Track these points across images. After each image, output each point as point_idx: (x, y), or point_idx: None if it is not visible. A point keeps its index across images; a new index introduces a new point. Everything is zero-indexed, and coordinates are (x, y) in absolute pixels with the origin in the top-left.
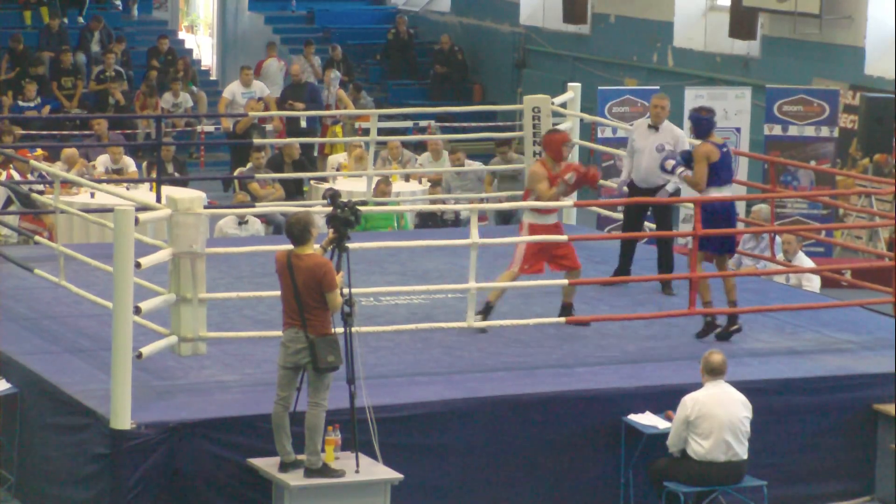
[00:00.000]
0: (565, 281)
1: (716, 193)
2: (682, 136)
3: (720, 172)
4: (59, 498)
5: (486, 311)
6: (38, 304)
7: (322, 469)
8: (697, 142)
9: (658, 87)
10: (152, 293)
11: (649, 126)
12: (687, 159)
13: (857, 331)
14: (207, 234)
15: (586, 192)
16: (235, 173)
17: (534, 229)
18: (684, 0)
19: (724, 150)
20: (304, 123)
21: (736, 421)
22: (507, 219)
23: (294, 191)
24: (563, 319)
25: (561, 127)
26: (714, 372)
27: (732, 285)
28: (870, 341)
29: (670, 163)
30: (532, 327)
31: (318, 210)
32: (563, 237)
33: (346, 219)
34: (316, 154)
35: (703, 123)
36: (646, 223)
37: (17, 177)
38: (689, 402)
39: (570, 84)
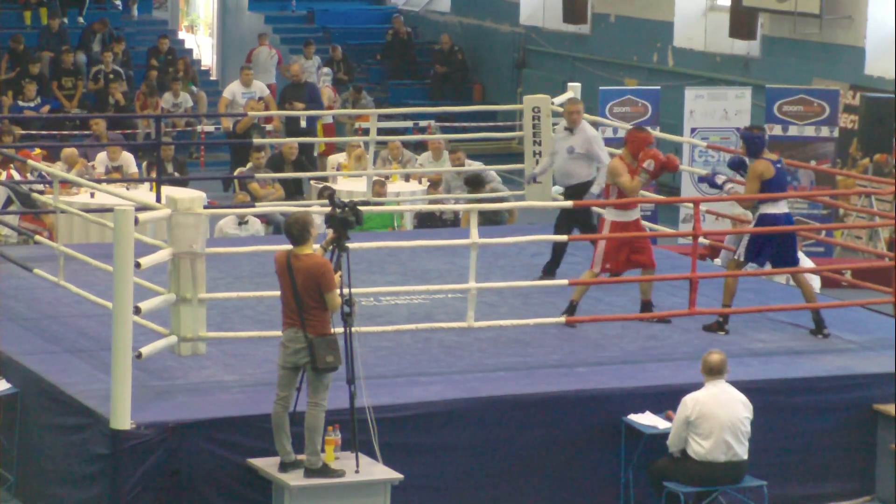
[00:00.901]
0: (565, 281)
1: (772, 210)
2: (593, 138)
3: (773, 190)
4: (59, 498)
5: (570, 311)
6: (38, 304)
7: (322, 469)
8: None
9: (658, 88)
10: (152, 293)
11: (566, 129)
12: (737, 164)
13: (857, 331)
14: (207, 234)
15: None
16: (235, 173)
17: (615, 227)
18: (684, 0)
19: (779, 166)
20: (304, 123)
21: (736, 421)
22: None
23: (294, 191)
24: (562, 319)
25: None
26: (713, 372)
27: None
28: (870, 341)
29: (721, 178)
30: (532, 327)
31: (318, 210)
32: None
33: (344, 219)
34: (316, 154)
35: (755, 141)
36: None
37: (17, 177)
38: (689, 402)
39: (570, 84)
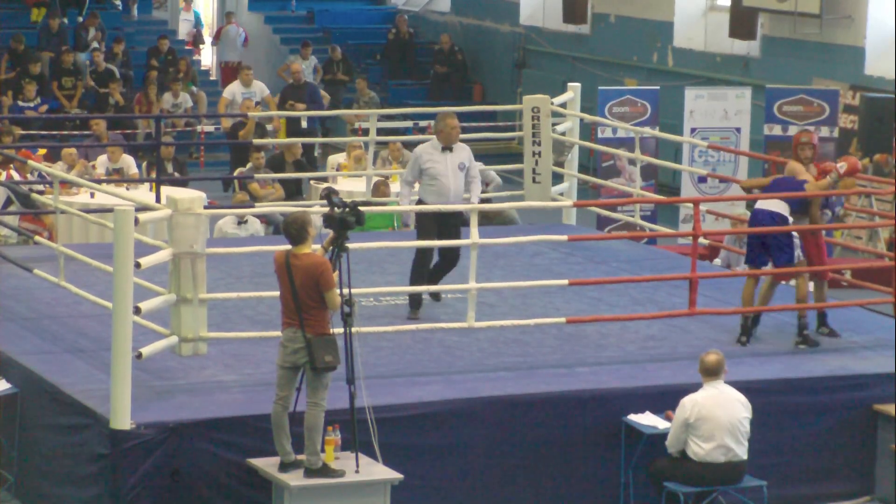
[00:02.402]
0: (565, 281)
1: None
2: (470, 152)
3: (772, 189)
4: (59, 498)
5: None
6: (38, 304)
7: (322, 469)
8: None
9: (657, 88)
10: (152, 293)
11: (443, 149)
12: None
13: (857, 331)
14: (207, 234)
15: (585, 193)
16: (235, 173)
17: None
18: (684, 0)
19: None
20: (304, 124)
21: (735, 422)
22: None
23: (294, 191)
24: (563, 319)
25: (560, 127)
26: (710, 372)
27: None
28: (870, 341)
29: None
30: (532, 327)
31: (317, 210)
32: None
33: (343, 219)
34: (317, 154)
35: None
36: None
37: (17, 177)
38: (688, 404)
39: (570, 84)
